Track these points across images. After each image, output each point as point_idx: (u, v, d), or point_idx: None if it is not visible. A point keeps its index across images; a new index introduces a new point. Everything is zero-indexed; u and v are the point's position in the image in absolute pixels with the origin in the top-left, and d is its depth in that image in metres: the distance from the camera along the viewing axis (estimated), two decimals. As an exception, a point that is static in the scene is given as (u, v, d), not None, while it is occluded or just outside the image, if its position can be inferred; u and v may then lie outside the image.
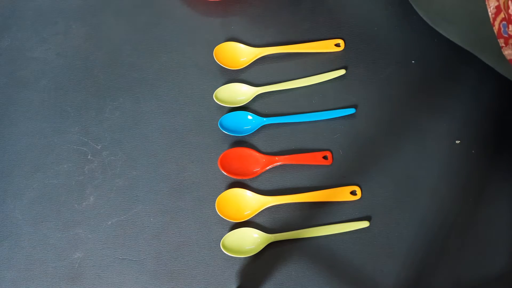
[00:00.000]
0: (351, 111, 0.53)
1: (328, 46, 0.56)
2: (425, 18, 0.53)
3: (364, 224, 0.48)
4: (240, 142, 0.53)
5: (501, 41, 0.44)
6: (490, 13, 0.43)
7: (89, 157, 0.53)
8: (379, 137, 0.52)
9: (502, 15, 0.42)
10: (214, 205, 0.49)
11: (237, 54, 0.57)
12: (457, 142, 0.52)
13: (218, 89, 0.54)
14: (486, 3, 0.43)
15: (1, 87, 0.57)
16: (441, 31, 0.52)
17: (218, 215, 0.49)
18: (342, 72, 0.55)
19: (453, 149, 0.51)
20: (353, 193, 0.50)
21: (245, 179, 0.51)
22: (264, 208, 0.49)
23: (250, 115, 0.53)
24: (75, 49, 0.59)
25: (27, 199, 0.51)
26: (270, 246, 0.48)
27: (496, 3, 0.42)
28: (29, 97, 0.56)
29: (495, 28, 0.44)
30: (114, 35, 0.59)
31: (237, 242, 0.48)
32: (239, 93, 0.55)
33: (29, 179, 0.52)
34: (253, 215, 0.49)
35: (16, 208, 0.51)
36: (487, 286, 0.46)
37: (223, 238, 0.48)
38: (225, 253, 0.47)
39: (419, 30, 0.56)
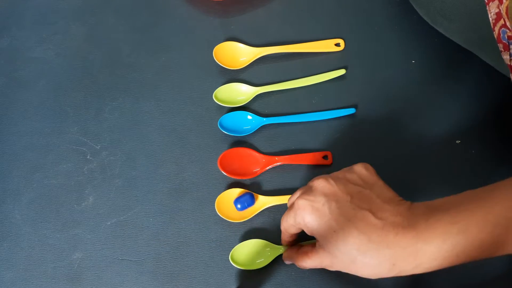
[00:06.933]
0: (351, 111, 0.53)
1: (328, 46, 0.56)
2: (425, 17, 0.53)
3: (364, 224, 0.48)
4: (239, 142, 0.53)
5: (500, 46, 0.44)
6: (490, 19, 0.43)
7: (88, 157, 0.53)
8: (379, 137, 0.52)
9: (501, 22, 0.42)
10: (214, 205, 0.49)
11: (237, 54, 0.56)
12: (457, 142, 0.51)
13: (217, 89, 0.54)
14: (487, 8, 0.43)
15: (0, 87, 0.57)
16: (441, 30, 0.52)
17: (218, 215, 0.49)
18: (342, 72, 0.55)
19: (453, 149, 0.51)
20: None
21: (245, 179, 0.51)
22: (264, 208, 0.49)
23: (250, 115, 0.53)
24: (74, 49, 0.59)
25: (26, 199, 0.51)
26: (270, 246, 0.48)
27: (497, 10, 0.42)
28: (28, 97, 0.56)
29: (495, 33, 0.44)
30: (113, 35, 0.59)
31: (247, 255, 0.47)
32: (238, 93, 0.55)
33: (28, 179, 0.52)
34: (253, 215, 0.49)
35: (15, 209, 0.51)
36: (487, 286, 0.46)
37: (232, 250, 0.47)
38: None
39: (419, 30, 0.56)
